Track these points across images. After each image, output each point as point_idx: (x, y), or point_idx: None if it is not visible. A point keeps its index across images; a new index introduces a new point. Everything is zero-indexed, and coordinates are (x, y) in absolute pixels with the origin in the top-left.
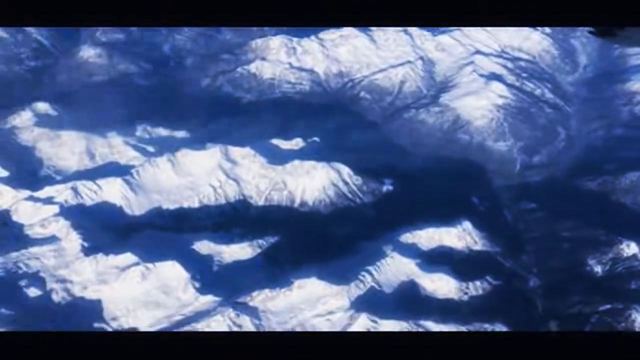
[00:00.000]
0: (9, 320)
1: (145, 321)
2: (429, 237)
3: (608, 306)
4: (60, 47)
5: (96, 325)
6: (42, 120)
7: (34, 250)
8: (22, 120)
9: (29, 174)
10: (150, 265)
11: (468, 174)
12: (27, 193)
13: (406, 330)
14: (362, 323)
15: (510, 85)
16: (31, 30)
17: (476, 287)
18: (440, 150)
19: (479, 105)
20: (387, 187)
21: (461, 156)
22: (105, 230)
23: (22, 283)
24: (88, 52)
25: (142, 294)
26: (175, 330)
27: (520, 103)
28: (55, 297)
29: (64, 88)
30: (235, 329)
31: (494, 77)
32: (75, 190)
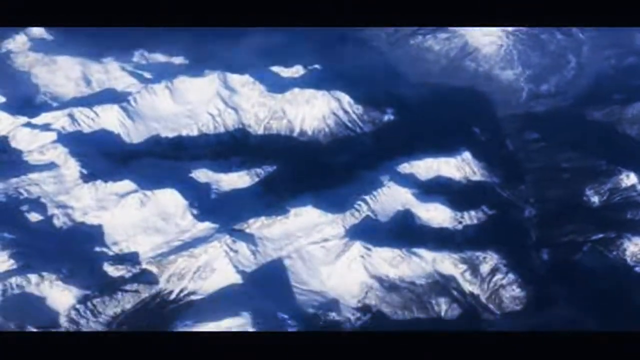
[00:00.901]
0: (12, 244)
1: (145, 246)
2: (427, 167)
3: (601, 235)
4: None
5: (97, 249)
6: (37, 45)
7: (34, 176)
8: (17, 44)
9: (26, 99)
10: (148, 192)
11: (472, 104)
12: (24, 119)
13: (399, 256)
14: (356, 250)
15: None
16: None
17: (471, 217)
18: (445, 78)
19: (487, 31)
20: (388, 117)
21: (466, 85)
22: (103, 157)
23: (24, 208)
24: None
25: (141, 220)
26: (174, 330)
27: (531, 29)
28: (57, 222)
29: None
30: (232, 254)
31: None
32: (72, 117)
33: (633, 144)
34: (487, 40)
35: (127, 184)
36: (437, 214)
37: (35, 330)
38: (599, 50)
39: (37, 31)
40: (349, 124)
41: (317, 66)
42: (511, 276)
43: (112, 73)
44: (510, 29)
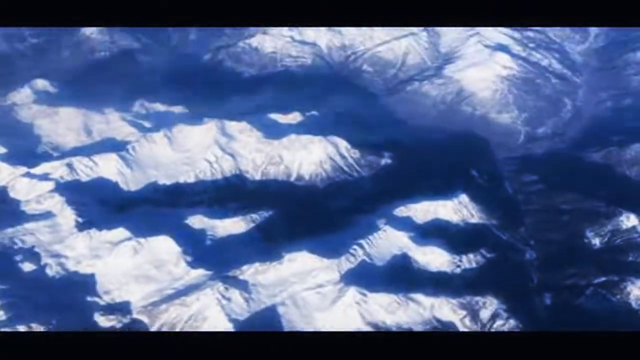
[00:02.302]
0: (3, 294)
1: (137, 295)
2: (424, 210)
3: (603, 278)
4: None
5: (89, 299)
6: (41, 97)
7: (30, 226)
8: (22, 97)
9: (27, 150)
10: (142, 240)
11: (470, 147)
12: (24, 170)
13: (395, 302)
14: (351, 296)
15: (516, 56)
16: None
17: (470, 260)
18: (442, 122)
19: (482, 76)
20: (385, 160)
21: (464, 128)
22: (100, 205)
23: (18, 258)
24: (90, 29)
25: (134, 268)
26: (175, 330)
27: (526, 74)
28: (50, 272)
29: (65, 65)
30: (224, 302)
31: (500, 47)
32: (70, 166)
33: (633, 184)
34: (482, 85)
35: (121, 232)
36: (434, 258)
37: (34, 330)
38: (594, 93)
39: (42, 84)
40: (346, 169)
41: (314, 112)
42: (512, 322)
43: (112, 123)
44: (504, 73)
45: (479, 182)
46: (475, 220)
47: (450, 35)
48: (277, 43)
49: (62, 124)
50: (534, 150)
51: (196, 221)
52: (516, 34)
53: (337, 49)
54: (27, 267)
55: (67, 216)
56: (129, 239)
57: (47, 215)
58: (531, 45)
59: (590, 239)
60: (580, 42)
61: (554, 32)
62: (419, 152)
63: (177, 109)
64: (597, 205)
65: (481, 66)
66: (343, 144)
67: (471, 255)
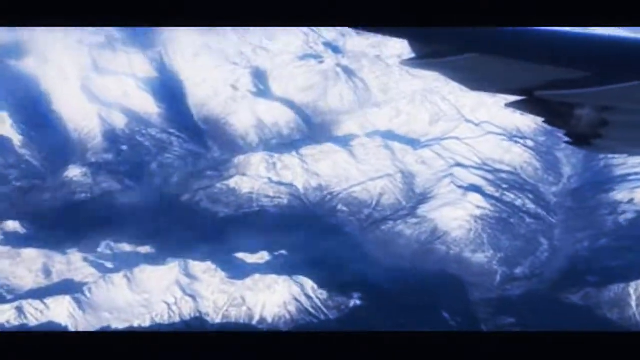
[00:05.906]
0: None
1: None
2: None
3: None
4: (50, 167)
5: None
6: (8, 239)
7: None
8: None
9: None
10: None
11: (443, 287)
12: None
13: None
14: None
15: (489, 196)
16: (24, 152)
17: None
18: (416, 262)
19: (456, 215)
20: (354, 301)
21: (437, 268)
22: None
23: None
24: (74, 172)
25: None
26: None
27: (499, 214)
28: None
29: (42, 206)
30: None
31: (473, 188)
32: (20, 310)
33: (613, 327)
34: (456, 224)
35: None
36: None
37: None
38: (570, 233)
39: (12, 225)
40: (312, 310)
41: (283, 252)
42: None
43: (73, 264)
44: (478, 213)
45: (451, 324)
46: None
47: (424, 176)
48: (255, 184)
49: (22, 266)
50: (511, 292)
51: None
52: (489, 176)
53: (314, 189)
54: None
55: None
56: None
57: None
58: (504, 186)
59: None
60: (554, 183)
61: (527, 174)
62: (390, 293)
63: (144, 250)
64: None
65: (455, 206)
66: (309, 284)
67: None
